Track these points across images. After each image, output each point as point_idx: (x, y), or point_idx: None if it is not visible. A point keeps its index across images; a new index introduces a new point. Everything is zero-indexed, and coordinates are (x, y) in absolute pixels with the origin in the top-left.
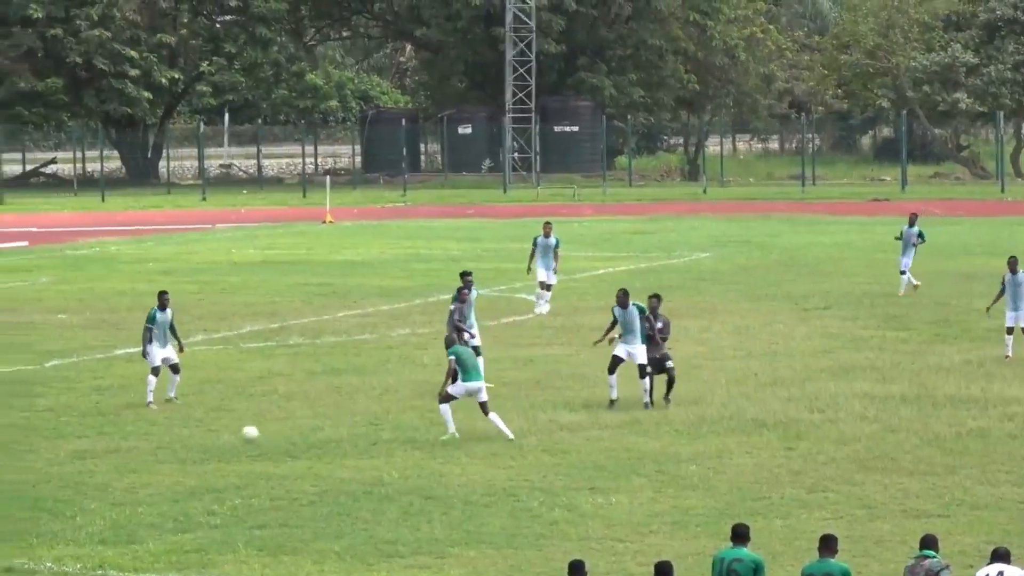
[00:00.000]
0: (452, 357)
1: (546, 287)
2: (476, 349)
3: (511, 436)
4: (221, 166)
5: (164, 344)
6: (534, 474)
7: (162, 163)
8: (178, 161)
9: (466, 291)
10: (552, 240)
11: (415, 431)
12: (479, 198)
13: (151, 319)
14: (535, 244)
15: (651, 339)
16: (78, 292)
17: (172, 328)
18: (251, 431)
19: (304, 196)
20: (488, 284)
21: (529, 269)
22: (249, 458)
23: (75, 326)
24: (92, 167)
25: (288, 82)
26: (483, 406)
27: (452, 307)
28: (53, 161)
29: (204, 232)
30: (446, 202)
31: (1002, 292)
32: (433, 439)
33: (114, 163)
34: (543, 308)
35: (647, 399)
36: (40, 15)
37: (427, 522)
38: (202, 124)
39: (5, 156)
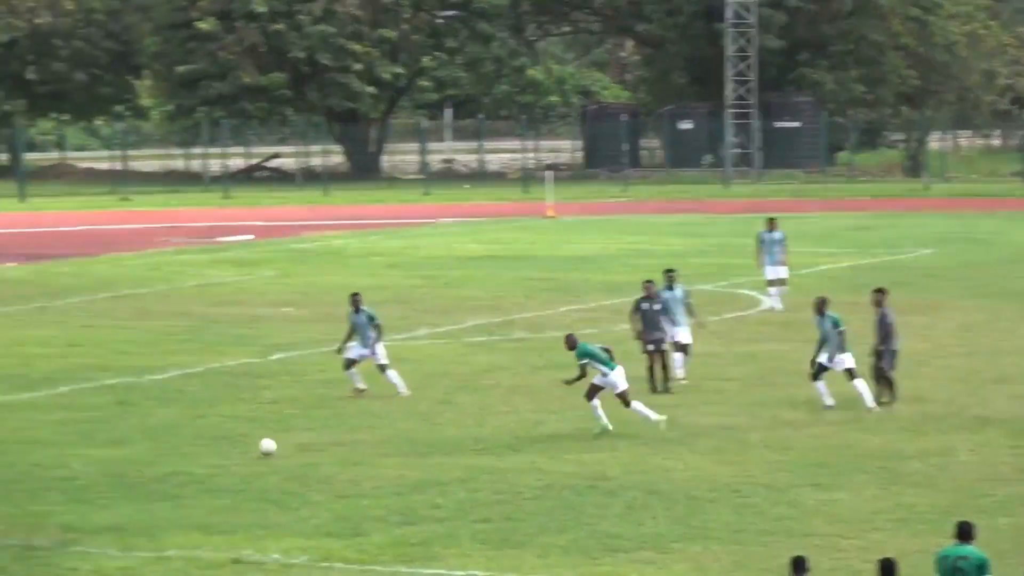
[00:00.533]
0: (585, 361)
1: (777, 283)
2: (684, 348)
3: (656, 418)
4: (443, 161)
5: (364, 344)
6: (757, 470)
7: (384, 158)
8: (400, 156)
9: (651, 286)
10: (777, 235)
11: (637, 425)
12: (700, 193)
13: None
14: (760, 240)
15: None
16: (302, 286)
17: (374, 328)
18: (268, 444)
19: (525, 191)
20: (710, 279)
21: (759, 265)
22: (473, 452)
23: (300, 319)
24: (315, 161)
25: (509, 77)
26: (623, 396)
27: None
28: (276, 155)
29: (428, 226)
30: (667, 197)
31: None
32: (656, 434)
33: (337, 157)
34: (776, 304)
35: (869, 403)
36: (264, 10)
37: (651, 517)
38: (424, 119)
39: (230, 150)
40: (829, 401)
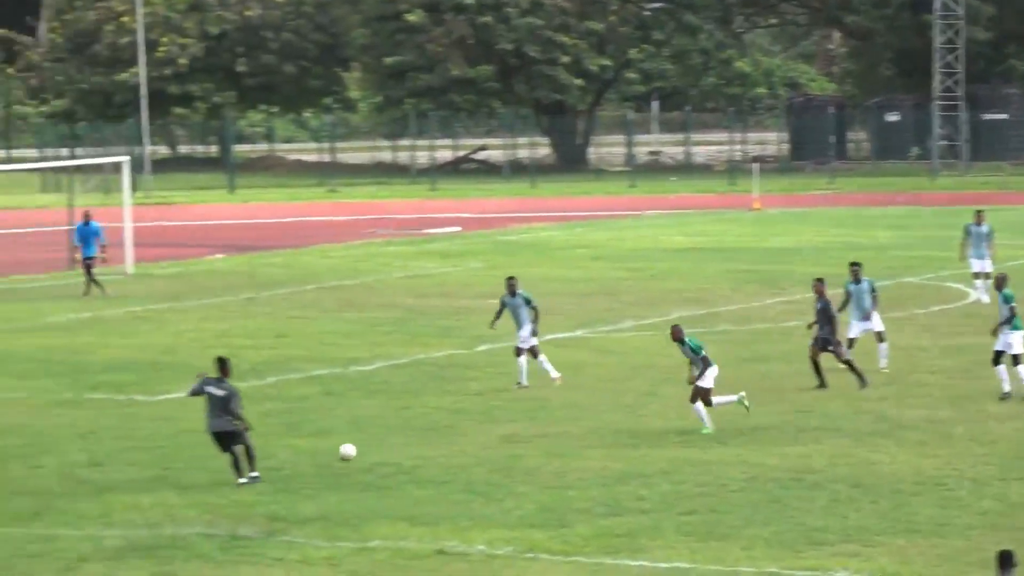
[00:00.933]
0: (703, 355)
1: (982, 276)
2: (879, 335)
3: (710, 426)
4: (649, 153)
5: (520, 326)
6: (963, 463)
7: (591, 150)
8: (607, 148)
9: (819, 285)
10: (984, 228)
11: (842, 419)
12: (906, 186)
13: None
14: (967, 232)
15: None
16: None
17: (531, 312)
18: (348, 449)
19: (731, 183)
20: (917, 272)
21: (961, 257)
22: (677, 444)
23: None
24: (522, 153)
25: (716, 69)
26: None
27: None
28: (484, 147)
29: (633, 218)
30: (873, 189)
31: None
32: (861, 427)
33: (544, 149)
34: (983, 296)
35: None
36: (472, 2)
37: (855, 510)
38: (631, 111)
39: (437, 142)
40: (1006, 388)
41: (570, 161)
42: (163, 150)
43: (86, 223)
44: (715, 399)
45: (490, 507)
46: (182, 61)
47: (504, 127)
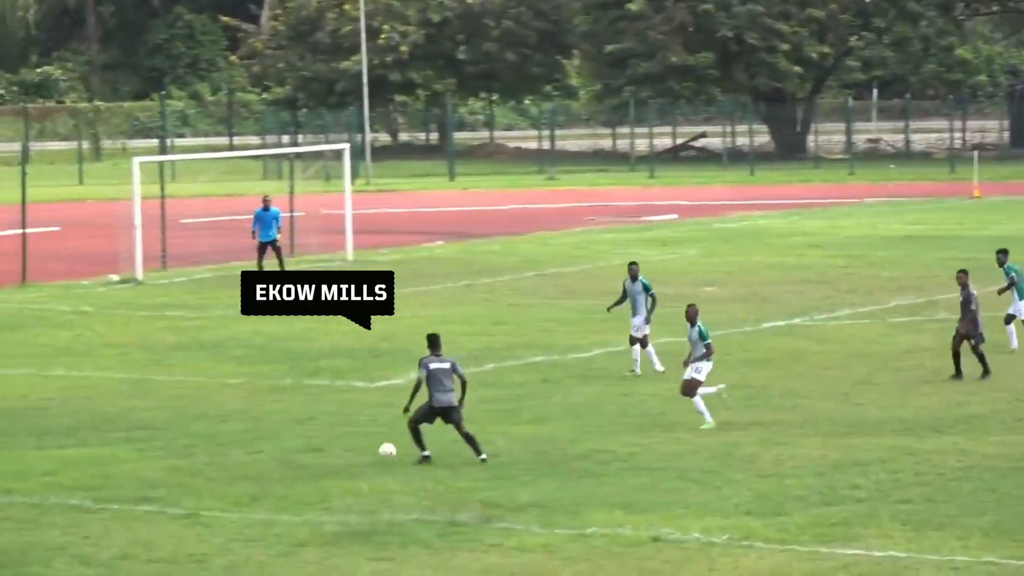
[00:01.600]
0: (709, 343)
1: None
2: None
3: (709, 421)
4: (868, 140)
5: (635, 314)
6: None
7: (810, 137)
8: (826, 136)
9: (962, 276)
10: None
11: None
12: None
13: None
14: None
15: None
16: (726, 265)
17: (649, 300)
18: (388, 448)
19: (952, 171)
20: None
21: None
22: (894, 432)
23: (723, 299)
24: (741, 141)
25: (937, 56)
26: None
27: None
28: (703, 135)
29: (852, 206)
30: None
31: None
32: None
33: (762, 137)
34: None
35: None
36: None
37: None
38: (850, 99)
39: (656, 130)
40: None
41: (789, 149)
42: (384, 137)
43: (266, 208)
44: (701, 389)
45: (706, 495)
46: (403, 48)
47: (723, 115)
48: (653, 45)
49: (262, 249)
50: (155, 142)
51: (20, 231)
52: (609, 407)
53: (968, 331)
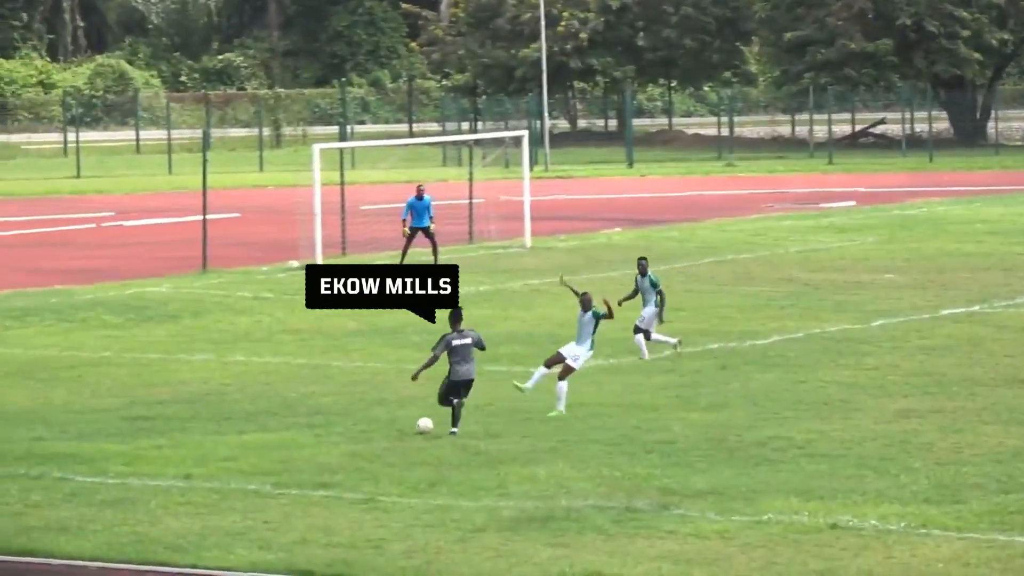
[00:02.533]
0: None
1: None
2: None
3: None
4: None
5: (645, 305)
6: None
7: (990, 124)
8: (1006, 122)
9: None
10: None
11: None
12: None
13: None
14: None
15: None
16: (905, 252)
17: (658, 296)
18: (425, 423)
19: None
20: None
21: None
22: None
23: (902, 286)
24: (920, 128)
25: None
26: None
27: None
28: (882, 122)
29: None
30: None
31: None
32: None
33: (942, 124)
34: None
35: None
36: None
37: None
38: None
39: (835, 116)
40: None
41: (968, 135)
42: (562, 124)
43: (419, 197)
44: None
45: (884, 482)
46: (583, 35)
47: (902, 101)
48: (832, 32)
49: (413, 235)
50: (335, 129)
51: (201, 217)
52: (786, 394)
53: None
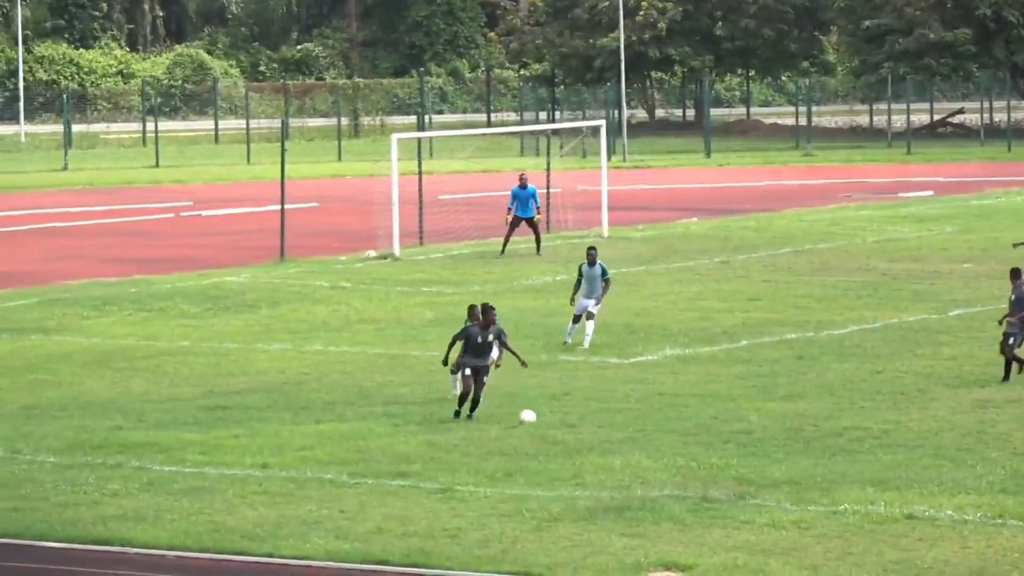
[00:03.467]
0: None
1: None
2: None
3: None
4: None
5: (589, 295)
6: None
7: None
8: None
9: None
10: None
11: None
12: None
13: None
14: None
15: None
16: (983, 241)
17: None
18: (528, 415)
19: None
20: None
21: None
22: None
23: (980, 275)
24: (999, 117)
25: None
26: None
27: None
28: (961, 111)
29: None
30: None
31: None
32: None
33: (1021, 113)
34: None
35: None
36: None
37: None
38: None
39: (913, 106)
40: None
41: None
42: (640, 114)
43: (523, 186)
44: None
45: (960, 472)
46: (661, 25)
47: (980, 91)
48: (911, 21)
49: (515, 224)
50: (413, 119)
51: (279, 207)
52: (863, 384)
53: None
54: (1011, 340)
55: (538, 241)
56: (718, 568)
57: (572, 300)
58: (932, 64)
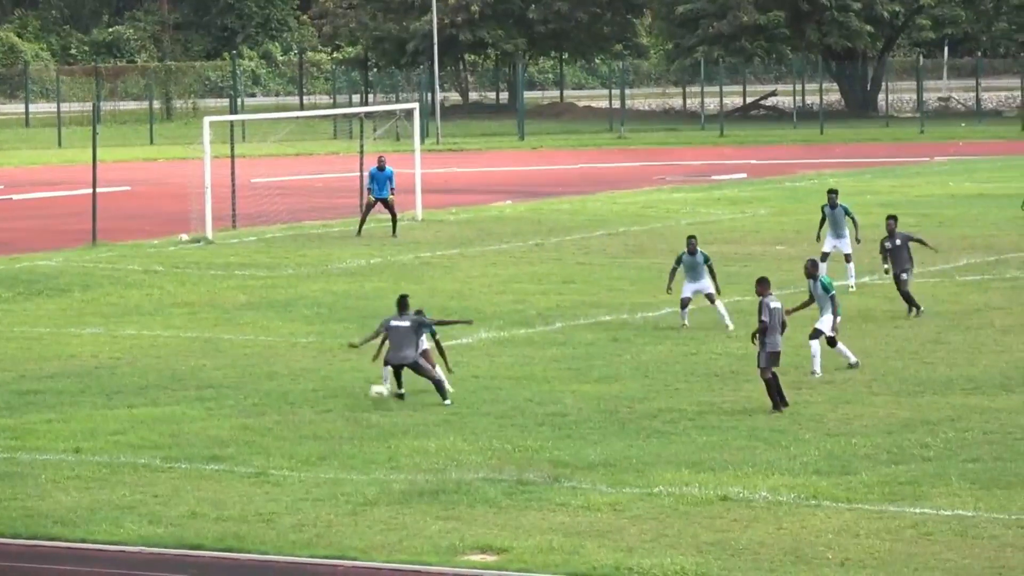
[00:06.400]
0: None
1: None
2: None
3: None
4: (939, 99)
5: (695, 279)
6: None
7: (881, 96)
8: (896, 94)
9: None
10: None
11: None
12: None
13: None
14: None
15: None
16: (795, 224)
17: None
18: (379, 388)
19: (1023, 129)
20: None
21: None
22: (963, 391)
23: (793, 257)
24: (811, 100)
25: (1008, 15)
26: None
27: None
28: (773, 94)
29: (922, 165)
30: None
31: None
32: None
33: (833, 96)
34: None
35: None
36: None
37: None
38: (921, 57)
39: (726, 89)
40: None
41: (859, 107)
42: (454, 97)
43: (381, 168)
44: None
45: (774, 453)
46: (474, 8)
47: (793, 73)
48: (724, 5)
49: (371, 205)
50: (226, 102)
51: (91, 191)
52: (678, 366)
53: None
54: (903, 276)
55: (394, 222)
56: (533, 550)
57: (668, 288)
58: (746, 47)
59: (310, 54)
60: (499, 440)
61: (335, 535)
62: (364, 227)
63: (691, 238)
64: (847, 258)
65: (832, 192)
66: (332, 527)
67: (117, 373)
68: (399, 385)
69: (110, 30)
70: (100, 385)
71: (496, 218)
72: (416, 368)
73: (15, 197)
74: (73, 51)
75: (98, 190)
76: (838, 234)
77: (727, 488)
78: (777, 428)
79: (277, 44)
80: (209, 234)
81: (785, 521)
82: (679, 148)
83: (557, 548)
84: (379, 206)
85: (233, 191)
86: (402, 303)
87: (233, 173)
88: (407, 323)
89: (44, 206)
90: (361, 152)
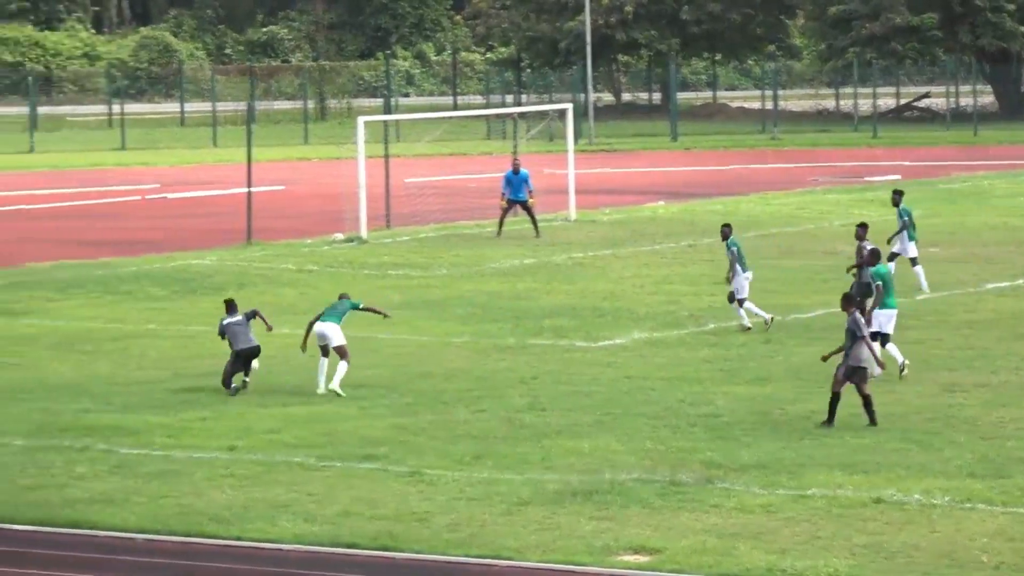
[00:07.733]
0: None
1: None
2: None
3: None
4: None
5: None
6: None
7: None
8: None
9: None
10: None
11: None
12: None
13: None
14: None
15: None
16: (949, 226)
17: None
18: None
19: None
20: None
21: None
22: None
23: (945, 260)
24: (965, 101)
25: None
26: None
27: None
28: (927, 95)
29: None
30: None
31: None
32: None
33: (987, 97)
34: None
35: None
36: None
37: None
38: None
39: (879, 90)
40: None
41: (1013, 109)
42: (607, 97)
43: (516, 171)
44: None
45: (928, 456)
46: (627, 8)
47: (947, 75)
48: (877, 6)
49: (508, 209)
50: (380, 101)
51: (245, 190)
52: (830, 368)
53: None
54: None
55: (535, 224)
56: (687, 551)
57: (729, 281)
58: (898, 48)
59: (463, 54)
60: (652, 441)
61: (489, 535)
62: (503, 228)
63: (725, 226)
64: (912, 262)
65: (896, 192)
66: (486, 527)
67: (272, 372)
68: (246, 374)
69: (264, 30)
70: (255, 384)
71: (649, 219)
72: (257, 352)
73: (170, 196)
74: (228, 51)
75: (253, 189)
76: (909, 236)
77: (880, 490)
78: (930, 431)
79: (431, 44)
80: (363, 234)
81: (939, 524)
82: (831, 149)
83: (710, 549)
84: (517, 208)
85: (387, 190)
86: (229, 306)
87: (387, 173)
88: (239, 317)
89: (199, 205)
90: (515, 152)
